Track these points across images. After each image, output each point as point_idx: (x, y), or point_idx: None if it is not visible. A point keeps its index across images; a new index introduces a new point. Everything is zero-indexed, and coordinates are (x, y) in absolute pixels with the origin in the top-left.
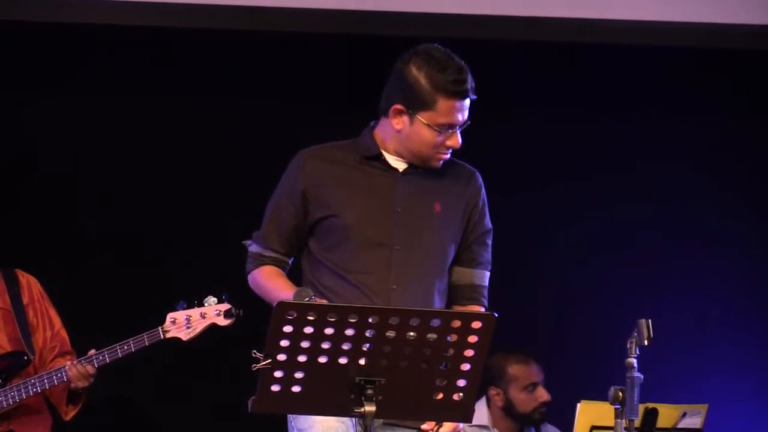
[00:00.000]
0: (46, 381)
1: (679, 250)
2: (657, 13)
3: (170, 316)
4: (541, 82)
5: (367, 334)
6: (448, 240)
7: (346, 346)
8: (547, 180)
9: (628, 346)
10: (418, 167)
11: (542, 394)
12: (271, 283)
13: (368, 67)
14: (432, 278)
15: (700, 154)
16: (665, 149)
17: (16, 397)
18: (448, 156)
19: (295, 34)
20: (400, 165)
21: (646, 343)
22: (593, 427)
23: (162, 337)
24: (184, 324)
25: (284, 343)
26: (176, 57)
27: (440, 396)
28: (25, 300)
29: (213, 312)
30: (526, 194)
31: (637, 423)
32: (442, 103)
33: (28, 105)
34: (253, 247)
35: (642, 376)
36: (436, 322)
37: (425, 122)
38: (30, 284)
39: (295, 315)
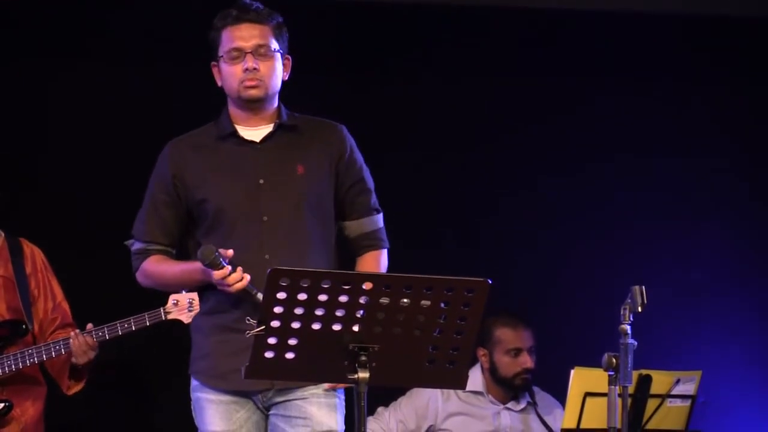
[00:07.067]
0: (44, 352)
1: (671, 216)
2: None
3: (173, 297)
4: (532, 49)
5: (361, 301)
6: (317, 197)
7: (339, 313)
8: (540, 148)
9: (621, 312)
10: (278, 132)
11: (525, 361)
12: (164, 265)
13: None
14: (306, 238)
15: (688, 121)
16: (653, 116)
17: (12, 366)
18: (254, 81)
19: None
20: (256, 136)
21: (639, 309)
22: (587, 394)
23: (163, 317)
24: (186, 306)
25: (278, 309)
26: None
27: (434, 362)
28: (28, 269)
29: None
30: (518, 161)
31: (630, 389)
32: (224, 35)
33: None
34: (136, 246)
35: (636, 343)
36: (429, 289)
37: (220, 56)
38: (34, 254)
39: (288, 282)
